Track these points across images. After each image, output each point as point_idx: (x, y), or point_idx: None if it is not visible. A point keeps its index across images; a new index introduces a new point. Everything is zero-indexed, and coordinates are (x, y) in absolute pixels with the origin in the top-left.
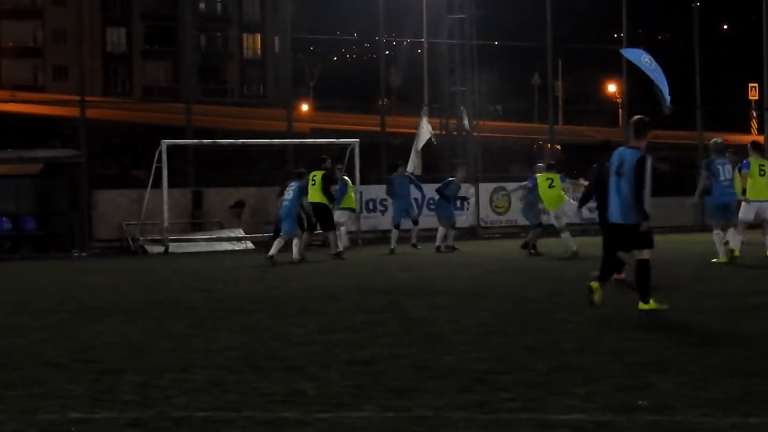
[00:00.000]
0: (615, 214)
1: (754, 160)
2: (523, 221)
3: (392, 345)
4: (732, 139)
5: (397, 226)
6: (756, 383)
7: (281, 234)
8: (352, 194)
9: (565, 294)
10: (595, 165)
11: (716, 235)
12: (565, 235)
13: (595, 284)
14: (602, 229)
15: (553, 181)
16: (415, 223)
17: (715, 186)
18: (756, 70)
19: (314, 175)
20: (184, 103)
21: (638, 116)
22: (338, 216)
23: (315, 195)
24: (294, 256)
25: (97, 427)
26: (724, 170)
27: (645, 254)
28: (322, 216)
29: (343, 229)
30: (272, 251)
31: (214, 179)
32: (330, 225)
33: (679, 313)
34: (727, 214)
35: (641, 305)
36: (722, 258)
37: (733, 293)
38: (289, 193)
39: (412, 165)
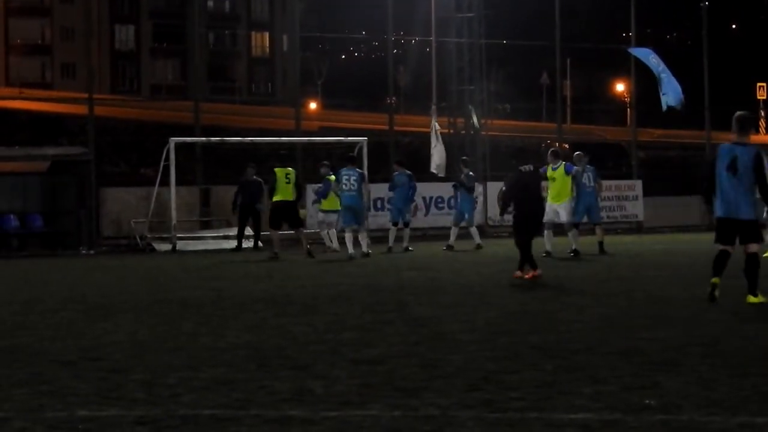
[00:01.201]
0: (730, 209)
1: None
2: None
3: (400, 344)
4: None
5: (395, 224)
6: (764, 383)
7: (359, 225)
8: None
9: (572, 293)
10: (516, 171)
11: None
12: (573, 232)
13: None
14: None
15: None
16: (406, 225)
17: None
18: (764, 69)
19: (288, 173)
20: (192, 101)
21: (740, 113)
22: (323, 217)
23: (287, 193)
24: (350, 250)
25: (104, 424)
26: None
27: (755, 248)
28: (292, 214)
29: (333, 231)
30: (351, 249)
31: (223, 177)
32: (299, 223)
33: (687, 311)
34: None
35: (750, 298)
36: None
37: (742, 293)
38: (353, 183)
39: (435, 165)
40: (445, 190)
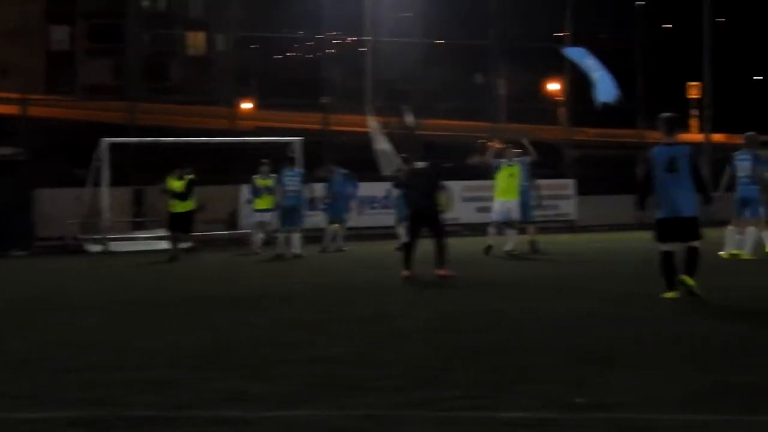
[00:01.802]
0: (673, 208)
1: None
2: (467, 219)
3: (345, 344)
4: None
5: (332, 223)
6: (728, 378)
7: (296, 225)
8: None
9: (517, 291)
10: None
11: (730, 230)
12: (510, 232)
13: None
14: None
15: (513, 173)
16: (342, 223)
17: (737, 181)
18: (696, 69)
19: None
20: (127, 101)
21: (667, 114)
22: (259, 217)
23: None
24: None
25: (41, 426)
26: (742, 166)
27: (696, 244)
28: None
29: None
30: (297, 247)
31: (157, 178)
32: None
33: (637, 308)
34: (747, 208)
35: (686, 279)
36: (727, 253)
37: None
38: (295, 184)
39: (384, 164)
40: (378, 189)
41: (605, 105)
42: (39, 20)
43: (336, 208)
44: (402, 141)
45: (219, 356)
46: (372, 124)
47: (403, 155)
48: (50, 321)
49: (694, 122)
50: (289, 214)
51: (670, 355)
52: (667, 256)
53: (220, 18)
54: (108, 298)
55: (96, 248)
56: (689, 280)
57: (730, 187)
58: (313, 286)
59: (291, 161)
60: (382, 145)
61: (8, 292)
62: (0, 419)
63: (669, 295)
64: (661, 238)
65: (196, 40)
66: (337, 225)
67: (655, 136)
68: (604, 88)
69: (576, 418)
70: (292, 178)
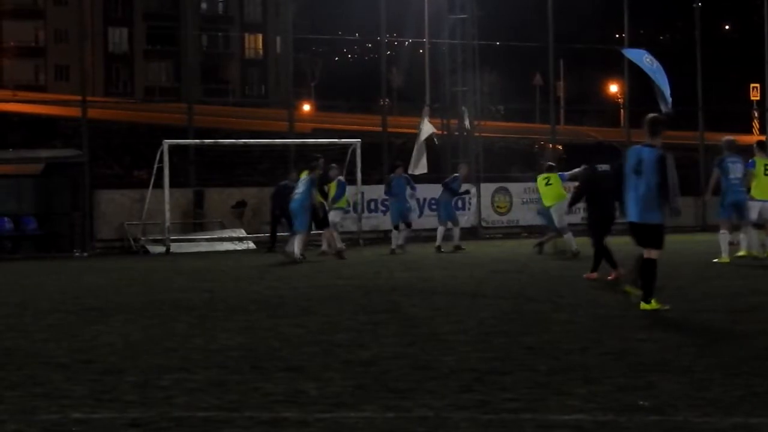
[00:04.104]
0: (632, 212)
1: (759, 160)
2: (525, 222)
3: (393, 345)
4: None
5: (396, 227)
6: (757, 383)
7: (296, 229)
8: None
9: (565, 294)
10: (585, 166)
11: (722, 234)
12: (567, 235)
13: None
14: (593, 227)
15: (550, 179)
16: (408, 225)
17: (726, 184)
18: (757, 70)
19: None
20: (185, 104)
21: (652, 115)
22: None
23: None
24: (297, 253)
25: (98, 427)
26: (735, 168)
27: (653, 254)
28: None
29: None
30: (296, 251)
31: (216, 179)
32: (325, 223)
33: (680, 312)
34: (738, 212)
35: (643, 305)
36: (724, 257)
37: (734, 293)
38: (300, 186)
39: (414, 165)
40: (438, 191)
41: (665, 111)
42: (97, 23)
43: (397, 210)
44: (461, 142)
45: (269, 358)
46: (424, 126)
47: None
48: (106, 322)
49: (755, 124)
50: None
51: (721, 359)
52: (647, 263)
53: (277, 20)
54: (160, 300)
55: (157, 249)
56: (646, 305)
57: (717, 190)
58: (356, 288)
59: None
60: (420, 141)
61: (66, 294)
62: (56, 420)
63: (645, 306)
64: (636, 241)
65: (252, 43)
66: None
67: (715, 137)
68: (665, 93)
69: (629, 420)
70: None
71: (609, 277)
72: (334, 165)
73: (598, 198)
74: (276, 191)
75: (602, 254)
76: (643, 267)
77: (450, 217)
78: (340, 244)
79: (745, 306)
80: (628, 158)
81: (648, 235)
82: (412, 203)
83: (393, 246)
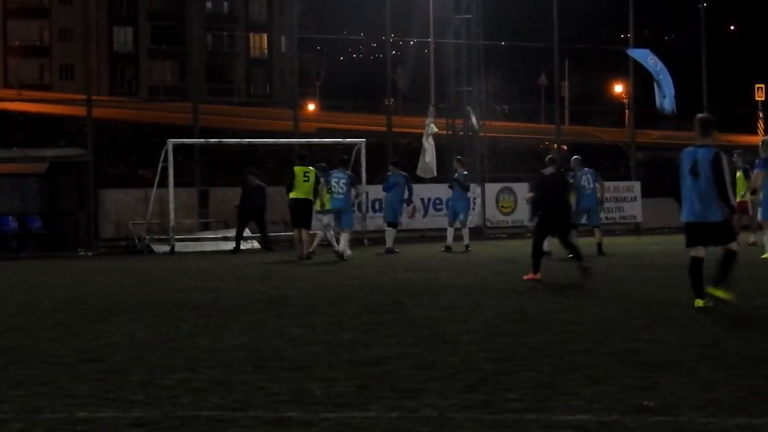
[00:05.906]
0: (693, 213)
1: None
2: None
3: (398, 345)
4: (738, 140)
5: (390, 224)
6: (761, 384)
7: (342, 227)
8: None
9: (570, 294)
10: (541, 172)
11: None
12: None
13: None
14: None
15: None
16: (393, 226)
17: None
18: (762, 70)
19: (307, 171)
20: (190, 103)
21: (702, 115)
22: (323, 218)
23: (304, 191)
24: (307, 250)
25: (102, 426)
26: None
27: (733, 246)
28: (305, 213)
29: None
30: (342, 248)
31: (221, 179)
32: (307, 224)
33: (685, 313)
34: None
35: (712, 289)
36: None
37: (738, 294)
38: (342, 186)
39: (423, 170)
40: (443, 191)
41: (668, 111)
42: (102, 22)
43: (390, 208)
44: (466, 143)
45: (273, 357)
46: (430, 127)
47: (458, 157)
48: (110, 322)
49: (760, 124)
50: (335, 215)
51: (726, 360)
52: (695, 262)
53: (282, 20)
54: (165, 299)
55: (162, 249)
56: (716, 292)
57: (755, 190)
58: (361, 288)
59: (342, 163)
60: (428, 148)
61: (70, 293)
62: (61, 419)
63: (698, 303)
64: (689, 242)
65: (257, 42)
66: (396, 228)
67: (720, 137)
68: (668, 93)
69: (634, 420)
70: (340, 181)
71: (525, 277)
72: (323, 164)
73: (548, 199)
74: (247, 191)
75: (536, 253)
76: (725, 259)
77: (465, 217)
78: (314, 247)
79: (749, 307)
80: (682, 160)
81: (717, 232)
82: (415, 203)
83: (388, 245)
